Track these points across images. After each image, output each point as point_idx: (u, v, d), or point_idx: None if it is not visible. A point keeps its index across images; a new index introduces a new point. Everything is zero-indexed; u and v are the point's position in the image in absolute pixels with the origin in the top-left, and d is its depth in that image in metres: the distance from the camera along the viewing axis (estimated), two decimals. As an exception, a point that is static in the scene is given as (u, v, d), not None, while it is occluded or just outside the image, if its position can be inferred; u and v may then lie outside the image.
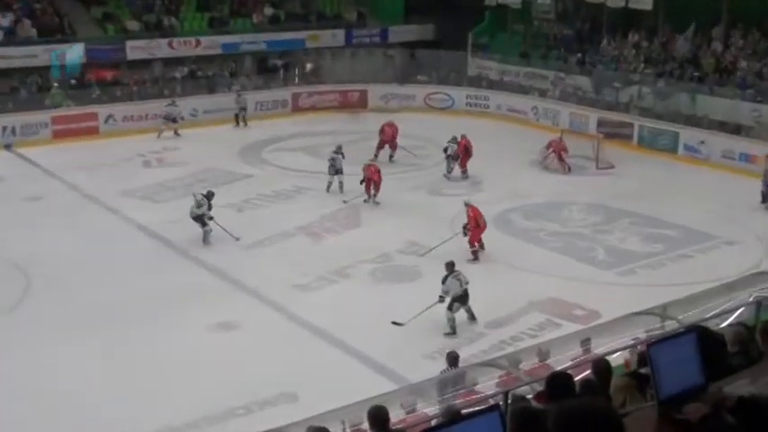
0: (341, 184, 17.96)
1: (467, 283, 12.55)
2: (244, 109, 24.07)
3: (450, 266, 12.82)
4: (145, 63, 25.44)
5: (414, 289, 13.49)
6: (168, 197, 18.25)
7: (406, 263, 14.86)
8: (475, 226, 14.91)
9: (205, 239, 15.37)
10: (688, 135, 21.53)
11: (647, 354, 3.64)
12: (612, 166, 21.06)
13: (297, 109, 26.55)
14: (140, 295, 13.09)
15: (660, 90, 23.36)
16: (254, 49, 27.86)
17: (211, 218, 15.36)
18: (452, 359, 9.85)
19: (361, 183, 17.40)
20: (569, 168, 20.23)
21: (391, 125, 21.01)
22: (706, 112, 21.88)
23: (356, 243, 15.79)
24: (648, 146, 22.64)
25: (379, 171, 17.72)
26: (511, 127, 25.04)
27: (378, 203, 17.50)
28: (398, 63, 28.54)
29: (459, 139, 19.52)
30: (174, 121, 22.86)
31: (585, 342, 5.90)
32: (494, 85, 26.98)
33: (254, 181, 19.77)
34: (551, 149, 20.40)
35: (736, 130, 21.05)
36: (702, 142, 21.32)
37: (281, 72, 27.76)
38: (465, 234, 14.71)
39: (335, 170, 18.13)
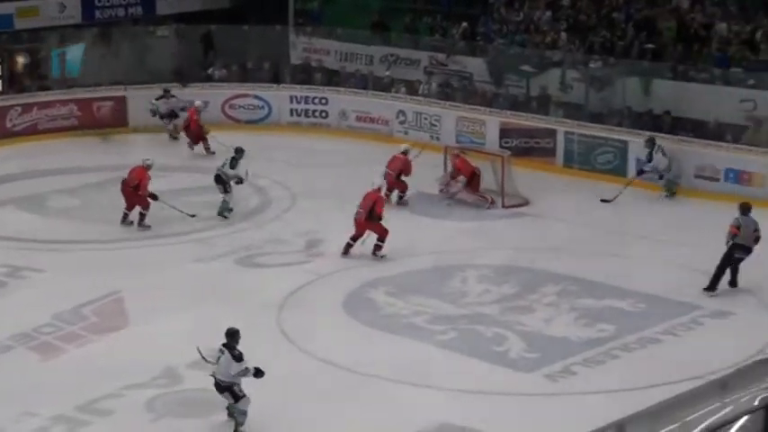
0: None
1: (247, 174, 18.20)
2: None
3: (241, 151, 18.02)
4: None
5: (212, 427, 11.69)
6: None
7: (202, 385, 12.23)
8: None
9: None
10: (642, 146, 19.55)
11: None
12: (527, 203, 18.96)
13: (5, 134, 23.44)
14: None
15: (596, 74, 21.36)
16: None
17: None
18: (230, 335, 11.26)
19: None
20: (491, 200, 18.94)
21: None
22: (669, 106, 20.26)
23: (121, 355, 13.45)
24: (581, 165, 20.28)
25: None
26: (363, 146, 22.66)
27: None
28: (176, 49, 25.96)
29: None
30: (175, 116, 23.22)
31: None
32: (333, 78, 24.77)
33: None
34: (457, 172, 19.09)
35: (717, 133, 19.45)
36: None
37: (-28, 73, 25.26)
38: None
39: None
